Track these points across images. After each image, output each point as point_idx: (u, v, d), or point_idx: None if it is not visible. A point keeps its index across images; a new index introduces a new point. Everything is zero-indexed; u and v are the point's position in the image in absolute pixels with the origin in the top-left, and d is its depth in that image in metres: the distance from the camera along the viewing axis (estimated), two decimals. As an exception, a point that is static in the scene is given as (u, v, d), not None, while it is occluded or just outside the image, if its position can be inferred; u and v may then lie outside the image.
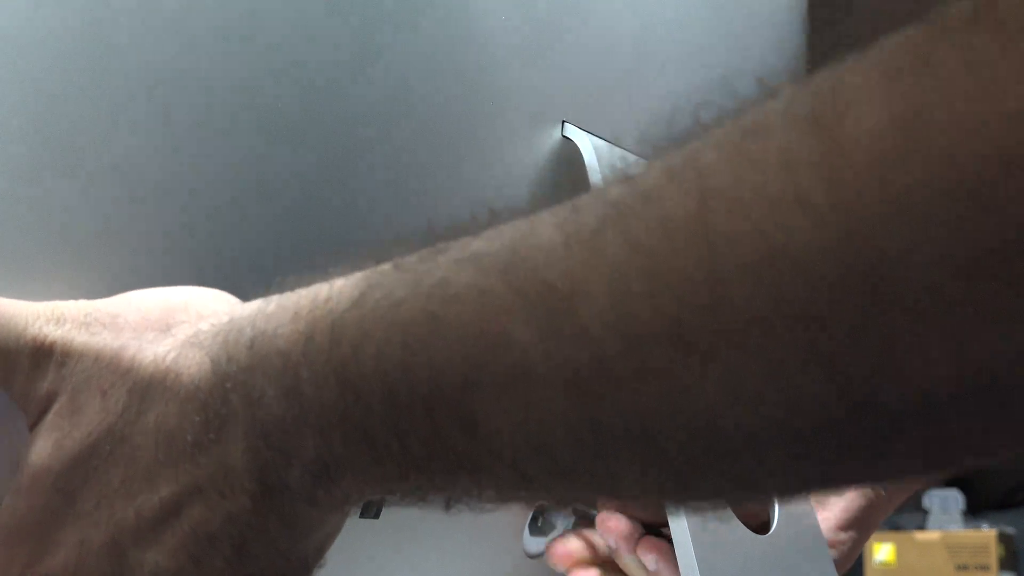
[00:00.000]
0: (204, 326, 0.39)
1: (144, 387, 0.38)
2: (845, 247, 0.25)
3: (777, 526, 0.60)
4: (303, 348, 0.35)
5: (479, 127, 0.54)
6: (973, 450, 0.28)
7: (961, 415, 0.26)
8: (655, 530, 0.62)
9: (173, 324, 0.39)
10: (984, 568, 2.68)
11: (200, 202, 0.45)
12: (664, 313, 0.28)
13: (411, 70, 0.51)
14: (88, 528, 0.38)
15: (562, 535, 0.64)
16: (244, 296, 0.41)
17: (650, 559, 0.60)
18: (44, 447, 0.38)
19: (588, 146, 0.57)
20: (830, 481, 0.32)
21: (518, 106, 0.56)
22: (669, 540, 0.60)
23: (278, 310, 0.37)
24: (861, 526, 0.89)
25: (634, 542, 0.61)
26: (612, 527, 0.62)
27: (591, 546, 0.64)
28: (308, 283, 0.37)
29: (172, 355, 0.38)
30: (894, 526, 2.81)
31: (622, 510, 0.62)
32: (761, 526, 0.60)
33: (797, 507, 0.62)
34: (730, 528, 0.57)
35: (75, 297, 0.41)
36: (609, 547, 0.62)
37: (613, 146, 0.58)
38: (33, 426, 0.39)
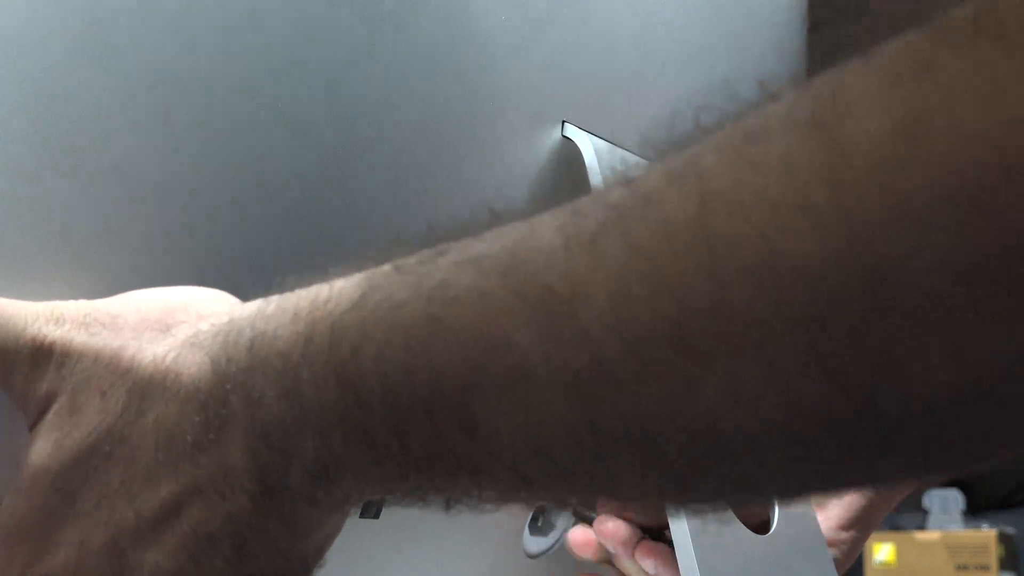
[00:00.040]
0: (204, 326, 0.39)
1: (144, 387, 0.38)
2: (845, 251, 0.25)
3: (777, 526, 0.60)
4: (303, 349, 0.35)
5: (479, 127, 0.54)
6: (973, 453, 0.28)
7: (961, 419, 0.26)
8: (654, 533, 0.62)
9: (173, 324, 0.39)
10: (984, 568, 2.68)
11: (200, 202, 0.45)
12: (664, 316, 0.28)
13: (411, 70, 0.51)
14: (88, 528, 0.38)
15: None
16: (244, 296, 0.41)
17: (649, 564, 0.60)
18: (44, 447, 0.38)
19: (588, 146, 0.57)
20: (830, 484, 0.32)
21: (518, 106, 0.56)
22: (667, 542, 0.60)
23: (278, 311, 0.37)
24: (861, 525, 0.89)
25: (632, 547, 0.61)
26: (610, 532, 0.61)
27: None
28: (308, 284, 0.37)
29: (172, 355, 0.38)
30: (894, 526, 2.81)
31: (620, 513, 0.61)
32: (761, 526, 0.60)
33: (797, 507, 0.62)
34: (730, 528, 0.57)
35: (75, 297, 0.41)
36: (608, 551, 0.62)
37: (613, 146, 0.58)
38: (33, 426, 0.39)
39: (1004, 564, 2.70)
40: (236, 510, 0.37)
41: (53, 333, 0.39)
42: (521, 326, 0.30)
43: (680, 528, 0.54)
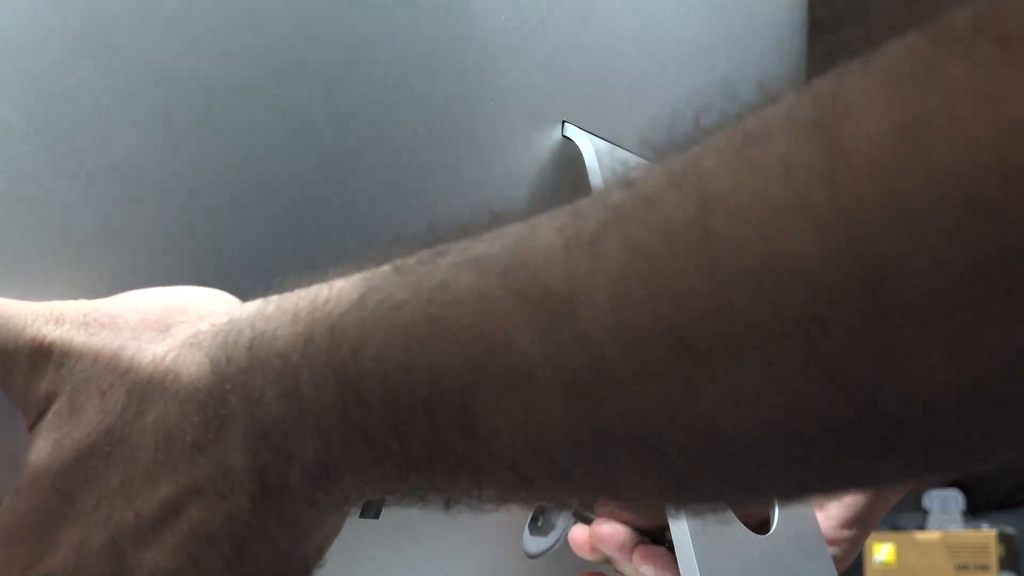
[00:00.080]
0: (203, 326, 0.39)
1: (143, 387, 0.38)
2: (845, 252, 0.25)
3: (777, 526, 0.60)
4: (302, 350, 0.35)
5: (479, 127, 0.54)
6: (973, 453, 0.28)
7: (961, 419, 0.26)
8: (651, 535, 0.61)
9: (172, 324, 0.39)
10: (984, 568, 2.68)
11: (200, 202, 0.45)
12: (664, 317, 0.28)
13: (411, 70, 0.51)
14: (88, 528, 0.38)
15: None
16: (244, 296, 0.41)
17: (648, 570, 0.60)
18: (43, 447, 0.38)
19: (588, 146, 0.57)
20: (830, 484, 0.32)
21: (518, 106, 0.56)
22: (665, 545, 0.60)
23: (277, 311, 0.37)
24: (861, 524, 0.89)
25: (630, 552, 0.60)
26: (606, 537, 0.61)
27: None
28: (307, 284, 0.37)
29: (171, 355, 0.38)
30: (894, 526, 2.81)
31: (618, 517, 0.61)
32: (761, 526, 0.60)
33: (797, 507, 0.62)
34: (730, 528, 0.57)
35: (75, 297, 0.41)
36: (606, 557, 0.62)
37: (613, 146, 0.58)
38: (32, 426, 0.39)
39: (1004, 564, 2.70)
40: (236, 510, 0.37)
41: (53, 333, 0.39)
42: (521, 327, 0.30)
43: (680, 528, 0.54)
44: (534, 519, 0.63)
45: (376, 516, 0.52)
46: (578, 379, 0.29)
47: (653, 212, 0.28)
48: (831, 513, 0.88)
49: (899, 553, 2.77)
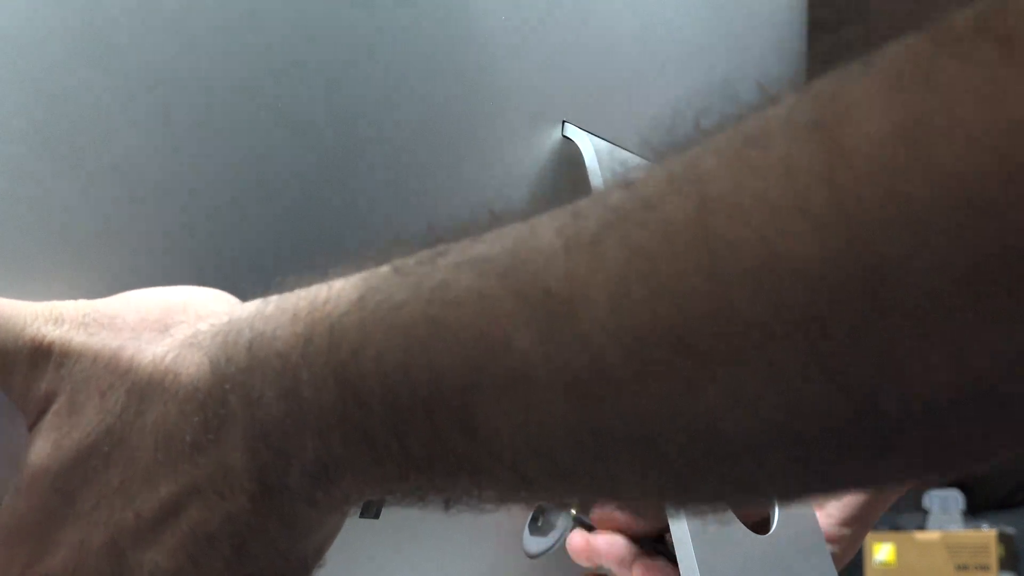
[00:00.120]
0: (203, 327, 0.39)
1: (143, 387, 0.38)
2: (846, 253, 0.25)
3: (777, 526, 0.60)
4: (302, 350, 0.35)
5: (479, 127, 0.54)
6: (973, 453, 0.28)
7: (961, 419, 0.26)
8: (650, 543, 0.61)
9: (172, 324, 0.39)
10: (984, 568, 2.68)
11: (200, 202, 0.45)
12: (664, 317, 0.28)
13: (411, 70, 0.51)
14: (87, 528, 0.38)
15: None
16: (244, 296, 0.41)
17: None
18: (43, 447, 0.38)
19: (588, 146, 0.57)
20: (830, 484, 0.32)
21: (518, 106, 0.56)
22: (665, 555, 0.60)
23: (277, 311, 0.37)
24: (860, 522, 0.89)
25: (629, 566, 0.60)
26: (604, 550, 0.60)
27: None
28: (307, 284, 0.37)
29: (171, 355, 0.38)
30: (894, 526, 2.81)
31: (616, 520, 0.61)
32: (761, 526, 0.60)
33: (797, 507, 0.62)
34: (730, 528, 0.57)
35: (75, 297, 0.41)
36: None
37: (613, 146, 0.58)
38: (32, 426, 0.39)
39: (1004, 564, 2.70)
40: (235, 510, 0.37)
41: (52, 333, 0.39)
42: (521, 327, 0.30)
43: (680, 528, 0.54)
44: (534, 519, 0.63)
45: (376, 516, 0.51)
46: (578, 379, 0.29)
47: (653, 213, 0.28)
48: (830, 511, 0.88)
49: (899, 553, 2.77)
